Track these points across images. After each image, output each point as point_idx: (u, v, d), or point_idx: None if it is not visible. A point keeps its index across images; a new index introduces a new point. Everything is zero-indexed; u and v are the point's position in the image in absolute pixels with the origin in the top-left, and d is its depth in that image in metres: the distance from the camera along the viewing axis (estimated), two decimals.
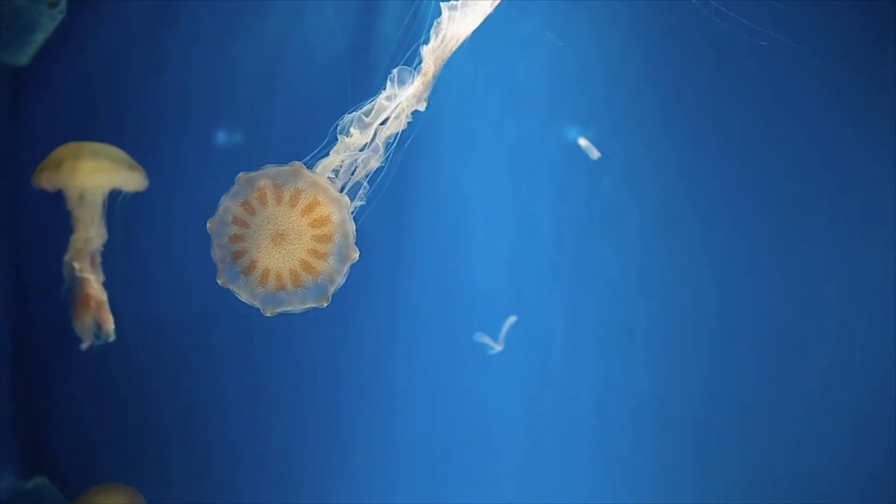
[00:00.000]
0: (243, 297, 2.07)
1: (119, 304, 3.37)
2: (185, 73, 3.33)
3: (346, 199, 2.07)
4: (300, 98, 3.31)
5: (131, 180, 3.01)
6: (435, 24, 2.10)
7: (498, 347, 3.45)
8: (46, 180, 2.93)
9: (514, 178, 3.50)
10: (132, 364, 3.45)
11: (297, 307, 2.12)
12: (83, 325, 3.02)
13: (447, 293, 3.55)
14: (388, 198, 3.48)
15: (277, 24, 3.36)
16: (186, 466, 3.50)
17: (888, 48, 3.23)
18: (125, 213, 3.03)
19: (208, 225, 2.06)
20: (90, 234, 2.95)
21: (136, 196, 3.09)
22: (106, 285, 3.03)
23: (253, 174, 2.03)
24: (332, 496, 3.57)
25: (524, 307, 3.53)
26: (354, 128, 2.10)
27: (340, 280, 2.11)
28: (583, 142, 3.16)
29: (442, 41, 2.11)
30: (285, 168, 2.02)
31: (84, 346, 3.05)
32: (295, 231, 2.04)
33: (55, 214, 3.41)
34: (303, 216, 2.03)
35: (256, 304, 2.08)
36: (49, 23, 3.30)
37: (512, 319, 3.46)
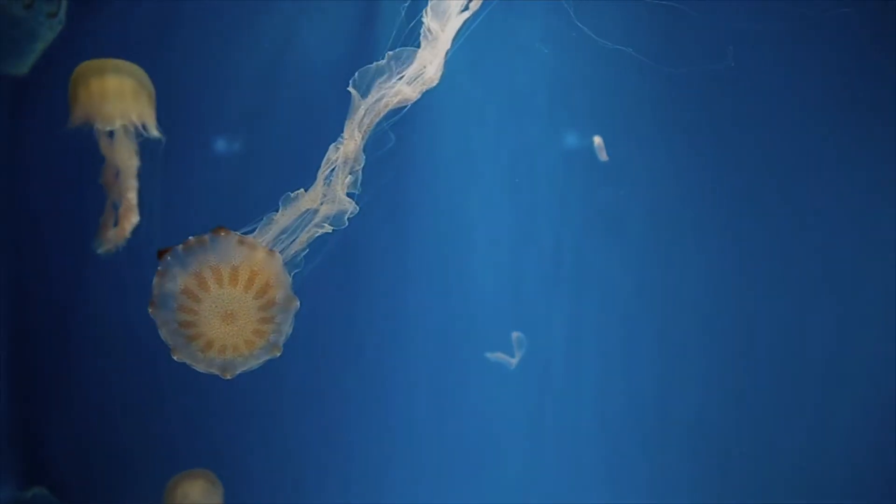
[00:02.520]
0: (200, 368, 2.09)
1: (119, 312, 3.38)
2: (183, 81, 3.33)
3: (276, 253, 2.05)
4: (299, 104, 3.32)
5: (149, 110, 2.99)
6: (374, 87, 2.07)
7: (513, 361, 3.44)
8: (80, 111, 2.90)
9: (513, 185, 3.50)
10: (131, 374, 3.45)
11: (253, 364, 2.14)
12: (106, 237, 3.00)
13: (447, 300, 3.55)
14: (388, 205, 3.50)
15: (276, 32, 3.37)
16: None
17: (888, 49, 3.23)
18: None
19: (150, 310, 2.06)
20: (121, 158, 2.93)
21: (140, 200, 3.09)
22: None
23: (188, 260, 2.01)
24: (330, 500, 3.57)
25: (525, 313, 3.52)
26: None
27: (289, 329, 2.12)
28: (597, 140, 3.16)
29: (367, 113, 2.08)
30: (210, 239, 2.00)
31: (101, 251, 3.03)
32: (243, 308, 2.04)
33: (56, 219, 3.42)
34: (246, 292, 2.02)
35: (214, 371, 2.10)
36: (48, 33, 3.30)
37: (518, 335, 3.46)
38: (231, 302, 2.02)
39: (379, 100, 2.09)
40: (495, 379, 3.50)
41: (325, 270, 3.43)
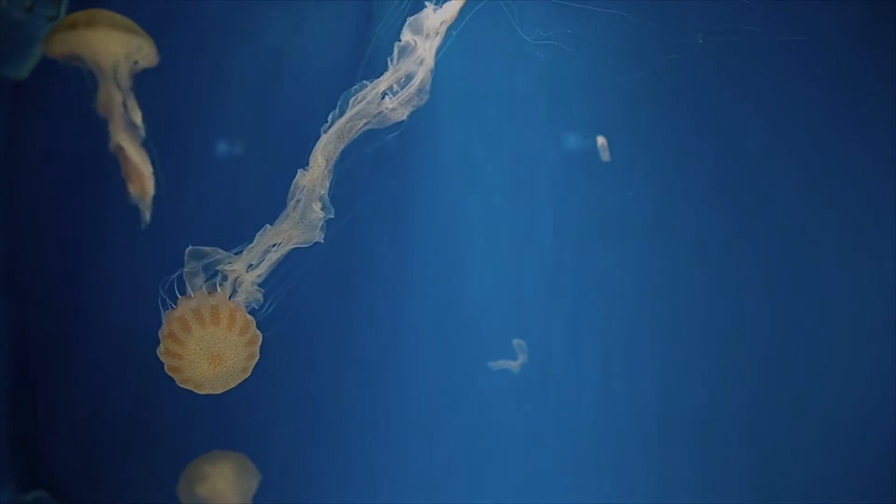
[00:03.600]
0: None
1: (118, 315, 3.38)
2: (184, 82, 3.34)
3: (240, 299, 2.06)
4: (300, 106, 3.32)
5: (144, 50, 2.95)
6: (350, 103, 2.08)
7: (517, 365, 3.44)
8: (59, 41, 2.87)
9: (513, 187, 3.51)
10: (132, 376, 3.45)
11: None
12: (136, 195, 2.99)
13: (448, 303, 3.55)
14: (387, 208, 3.50)
15: (277, 34, 3.38)
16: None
17: (888, 50, 3.24)
18: None
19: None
20: (115, 101, 2.90)
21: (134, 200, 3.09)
22: None
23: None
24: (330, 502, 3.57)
25: (525, 316, 3.53)
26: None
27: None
28: (601, 140, 3.16)
29: (340, 133, 2.09)
30: (191, 298, 2.00)
31: (144, 220, 3.01)
32: (229, 347, 2.04)
33: (56, 222, 3.42)
34: (230, 330, 2.01)
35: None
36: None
37: (519, 342, 3.46)
38: (217, 342, 2.01)
39: (351, 122, 2.10)
40: (496, 381, 3.50)
41: (324, 274, 3.45)
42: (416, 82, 2.12)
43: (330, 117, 2.08)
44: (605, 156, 3.24)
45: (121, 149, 2.93)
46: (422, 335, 3.55)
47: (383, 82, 2.09)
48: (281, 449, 3.57)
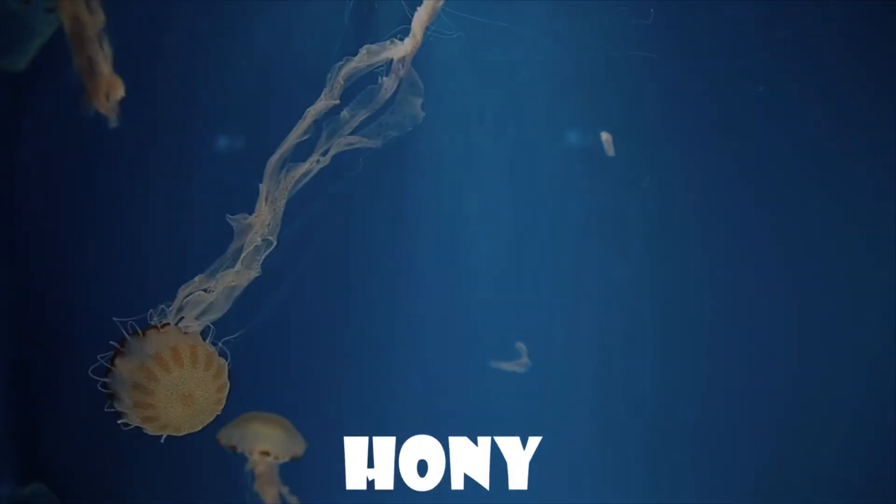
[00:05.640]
0: None
1: (118, 309, 3.37)
2: (182, 78, 3.33)
3: (194, 328, 2.03)
4: (296, 105, 3.31)
5: None
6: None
7: (521, 364, 3.44)
8: None
9: (513, 183, 3.50)
10: None
11: None
12: (100, 103, 2.90)
13: (446, 298, 3.55)
14: (386, 203, 3.50)
15: (274, 30, 3.36)
16: (185, 472, 3.50)
17: (888, 48, 3.23)
18: None
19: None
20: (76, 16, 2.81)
21: (136, 201, 3.08)
22: None
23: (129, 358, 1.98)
24: (329, 499, 3.57)
25: (524, 311, 3.53)
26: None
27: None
28: (605, 136, 3.16)
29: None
30: (145, 341, 1.98)
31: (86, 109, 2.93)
32: (199, 384, 2.02)
33: (55, 216, 3.41)
34: (195, 367, 1.99)
35: None
36: (46, 28, 3.28)
37: (521, 345, 3.46)
38: (185, 382, 1.99)
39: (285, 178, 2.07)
40: (495, 381, 3.50)
41: (323, 274, 3.45)
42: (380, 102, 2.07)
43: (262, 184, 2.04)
44: (610, 150, 3.23)
45: (89, 66, 2.82)
46: (421, 333, 3.55)
47: (324, 101, 2.05)
48: None
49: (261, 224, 2.00)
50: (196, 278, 2.01)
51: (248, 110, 3.37)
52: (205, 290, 2.00)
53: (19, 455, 3.48)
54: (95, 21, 2.81)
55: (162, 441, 2.08)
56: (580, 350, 3.53)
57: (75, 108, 3.37)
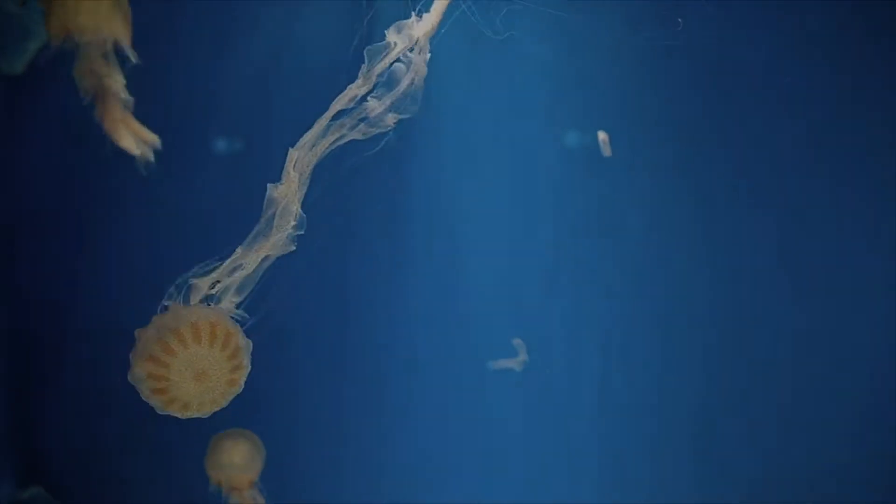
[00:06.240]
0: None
1: (117, 312, 3.36)
2: (181, 79, 3.33)
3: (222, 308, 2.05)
4: (297, 104, 3.31)
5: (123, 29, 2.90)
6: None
7: (518, 362, 3.44)
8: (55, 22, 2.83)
9: (511, 184, 3.51)
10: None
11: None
12: (125, 140, 2.89)
13: (445, 300, 3.55)
14: (385, 204, 3.50)
15: (274, 31, 3.37)
16: (184, 475, 3.49)
17: (889, 46, 3.24)
18: None
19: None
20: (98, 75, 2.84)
21: (136, 200, 3.08)
22: None
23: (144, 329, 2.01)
24: (329, 499, 3.57)
25: (523, 313, 3.53)
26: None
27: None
28: (602, 136, 3.16)
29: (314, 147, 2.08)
30: (167, 315, 2.01)
31: (139, 157, 2.92)
32: (213, 363, 2.04)
33: (53, 219, 3.40)
34: (212, 346, 2.02)
35: None
36: (43, 30, 3.27)
37: (519, 342, 3.47)
38: (200, 360, 2.02)
39: (331, 134, 2.09)
40: (494, 380, 3.50)
41: (323, 274, 3.45)
42: (401, 88, 2.10)
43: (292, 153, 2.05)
44: (607, 151, 3.23)
45: (102, 104, 2.84)
46: (419, 333, 3.55)
47: (353, 89, 2.08)
48: (279, 449, 3.56)
49: (290, 193, 2.03)
50: (236, 251, 2.04)
51: (251, 111, 3.38)
52: (236, 268, 2.03)
53: (18, 458, 3.48)
54: (118, 81, 2.85)
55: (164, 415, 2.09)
56: (580, 350, 3.53)
57: (73, 110, 3.36)
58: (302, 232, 2.13)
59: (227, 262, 2.08)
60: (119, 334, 3.40)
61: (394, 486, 3.59)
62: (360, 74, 2.10)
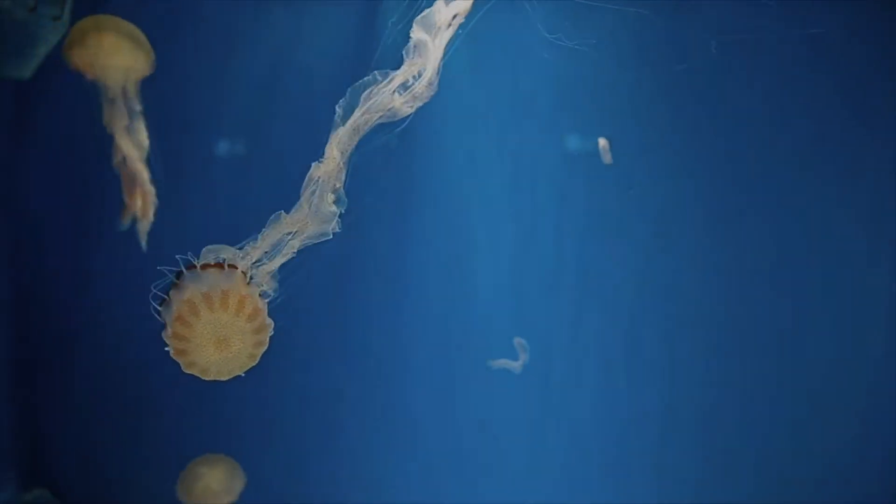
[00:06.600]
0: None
1: (120, 316, 3.38)
2: (187, 83, 3.34)
3: (258, 278, 2.06)
4: (300, 107, 3.33)
5: (145, 60, 2.97)
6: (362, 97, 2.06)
7: (518, 365, 3.44)
8: (77, 56, 2.88)
9: (515, 187, 3.51)
10: (133, 375, 3.45)
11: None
12: (129, 207, 2.97)
13: (449, 302, 3.55)
14: (390, 206, 3.50)
15: (277, 35, 3.38)
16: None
17: (890, 48, 3.24)
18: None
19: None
20: (117, 112, 2.90)
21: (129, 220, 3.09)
22: None
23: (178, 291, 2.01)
24: (331, 499, 3.57)
25: (526, 315, 3.53)
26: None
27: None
28: (602, 142, 3.16)
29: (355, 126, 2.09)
30: (200, 279, 2.00)
31: (123, 224, 2.99)
32: (236, 332, 2.04)
33: (57, 222, 3.42)
34: (238, 315, 2.02)
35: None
36: (51, 36, 3.30)
37: (520, 341, 3.46)
38: (224, 327, 2.02)
39: (365, 115, 2.10)
40: (497, 381, 3.50)
41: (326, 274, 3.46)
42: (427, 76, 2.12)
43: (339, 110, 2.07)
44: (607, 158, 3.24)
45: (124, 164, 2.93)
46: (423, 333, 3.55)
47: (399, 76, 2.09)
48: (281, 446, 3.57)
49: (328, 172, 2.03)
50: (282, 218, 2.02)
51: (253, 114, 3.39)
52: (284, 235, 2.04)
53: (22, 460, 3.49)
54: (143, 147, 2.93)
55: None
56: (582, 352, 3.53)
57: (80, 115, 3.39)
58: (343, 210, 2.12)
59: (264, 237, 2.08)
60: (122, 336, 3.43)
61: (394, 487, 3.58)
62: (404, 62, 2.09)
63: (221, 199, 3.37)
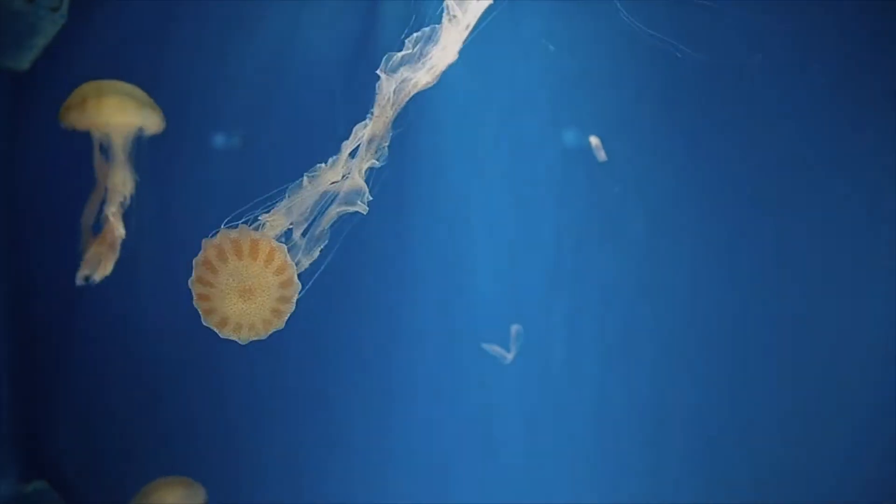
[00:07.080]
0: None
1: (119, 308, 3.38)
2: (185, 77, 3.34)
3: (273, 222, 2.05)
4: (301, 101, 3.32)
5: (152, 120, 2.99)
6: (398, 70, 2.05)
7: (509, 356, 3.45)
8: (74, 119, 2.90)
9: (513, 183, 3.51)
10: (132, 369, 3.46)
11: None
12: (91, 259, 2.98)
13: (447, 298, 3.56)
14: (388, 202, 3.50)
15: (277, 29, 3.37)
16: (187, 471, 3.50)
17: (889, 48, 3.24)
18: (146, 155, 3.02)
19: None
20: (116, 178, 2.92)
21: (136, 199, 3.09)
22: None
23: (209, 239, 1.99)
24: (331, 499, 3.58)
25: (524, 312, 3.53)
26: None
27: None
28: (594, 140, 3.16)
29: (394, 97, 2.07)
30: (234, 229, 1.98)
31: (79, 277, 3.01)
32: (262, 284, 2.00)
33: (56, 215, 3.41)
34: (266, 267, 1.98)
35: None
36: (50, 27, 3.29)
37: (517, 328, 3.46)
38: (250, 277, 1.98)
39: (405, 80, 2.08)
40: (495, 377, 3.51)
41: (324, 272, 3.45)
42: (452, 45, 2.10)
43: (382, 75, 2.04)
44: (601, 156, 3.24)
45: (108, 221, 2.95)
46: (422, 331, 3.56)
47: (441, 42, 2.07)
48: (281, 441, 3.58)
49: (382, 125, 2.01)
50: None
51: (253, 110, 3.39)
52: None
53: (21, 452, 3.49)
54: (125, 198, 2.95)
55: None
56: (579, 349, 3.53)
57: None
58: (381, 164, 2.10)
59: (299, 195, 2.05)
60: (121, 331, 3.43)
61: (394, 486, 3.59)
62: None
63: (221, 197, 3.36)
